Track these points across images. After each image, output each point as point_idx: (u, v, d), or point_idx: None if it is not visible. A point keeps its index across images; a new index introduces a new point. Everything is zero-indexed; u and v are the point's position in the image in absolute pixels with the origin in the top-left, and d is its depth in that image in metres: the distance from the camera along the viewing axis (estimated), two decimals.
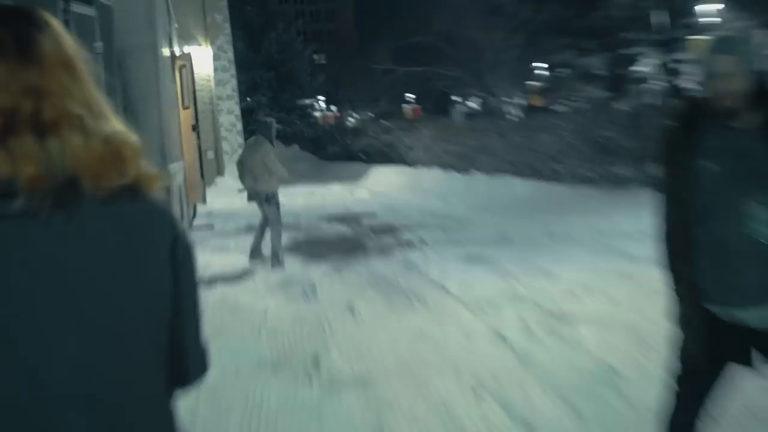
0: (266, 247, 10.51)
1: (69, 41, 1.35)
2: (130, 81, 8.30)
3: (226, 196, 21.49)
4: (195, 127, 12.97)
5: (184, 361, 1.48)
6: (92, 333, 1.25)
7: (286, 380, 5.77)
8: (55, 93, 1.28)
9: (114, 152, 1.31)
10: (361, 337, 6.77)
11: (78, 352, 1.24)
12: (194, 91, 12.69)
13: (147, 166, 1.36)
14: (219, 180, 25.39)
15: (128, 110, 8.39)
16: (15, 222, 1.21)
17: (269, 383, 5.72)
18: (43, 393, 1.21)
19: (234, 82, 26.95)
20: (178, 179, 10.06)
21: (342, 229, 14.24)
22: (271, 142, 10.18)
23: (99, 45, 5.87)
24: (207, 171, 25.08)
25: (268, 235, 10.41)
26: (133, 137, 1.36)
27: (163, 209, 1.40)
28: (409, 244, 11.62)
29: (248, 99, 34.58)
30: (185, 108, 12.31)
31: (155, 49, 8.40)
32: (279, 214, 10.26)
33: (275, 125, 10.43)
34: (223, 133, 26.23)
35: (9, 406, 1.19)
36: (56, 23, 1.34)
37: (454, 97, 42.12)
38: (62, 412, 1.21)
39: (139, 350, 1.32)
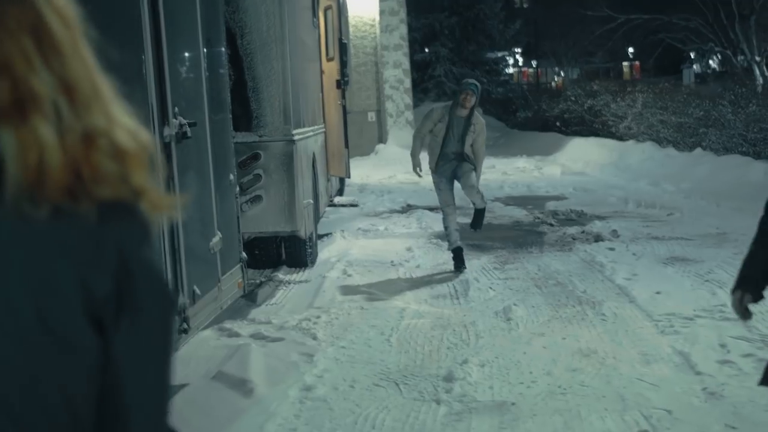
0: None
1: None
2: (246, 25, 8.42)
3: (388, 167, 21.69)
4: (340, 83, 13.07)
5: None
6: None
7: (408, 399, 5.74)
8: (14, 67, 1.12)
9: (94, 156, 1.14)
10: (511, 352, 6.63)
11: None
12: (340, 39, 12.75)
13: (147, 181, 1.18)
14: (381, 148, 25.65)
15: (244, 62, 8.55)
16: None
17: (387, 402, 5.71)
18: None
19: (403, 29, 26.98)
20: (312, 147, 10.19)
21: (518, 213, 14.13)
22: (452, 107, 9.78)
23: None
24: (366, 137, 25.57)
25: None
26: (140, 137, 1.19)
27: (117, 237, 1.15)
28: (597, 237, 11.33)
29: (426, 50, 34.79)
30: (329, 60, 12.38)
31: None
32: (439, 196, 10.11)
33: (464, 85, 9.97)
34: (388, 90, 26.44)
35: None
36: None
37: (691, 54, 40.66)
38: None
39: None
